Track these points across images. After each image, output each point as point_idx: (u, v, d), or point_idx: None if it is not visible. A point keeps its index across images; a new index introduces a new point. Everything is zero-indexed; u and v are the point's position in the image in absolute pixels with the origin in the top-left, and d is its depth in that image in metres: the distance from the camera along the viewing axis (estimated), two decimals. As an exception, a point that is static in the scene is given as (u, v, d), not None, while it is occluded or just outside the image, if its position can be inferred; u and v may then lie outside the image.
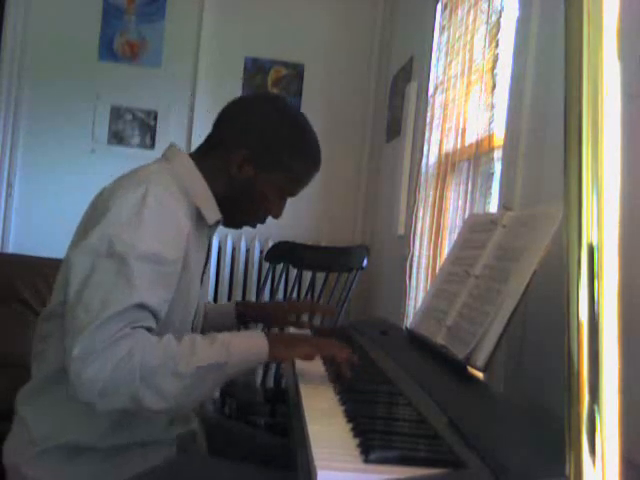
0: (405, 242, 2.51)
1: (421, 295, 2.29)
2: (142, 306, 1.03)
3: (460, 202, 1.95)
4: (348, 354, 1.15)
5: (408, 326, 1.55)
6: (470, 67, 1.97)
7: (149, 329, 1.06)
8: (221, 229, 1.36)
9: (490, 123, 1.74)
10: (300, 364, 1.29)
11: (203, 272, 1.32)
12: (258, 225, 1.38)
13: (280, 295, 3.15)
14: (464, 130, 1.98)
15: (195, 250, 1.21)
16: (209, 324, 1.52)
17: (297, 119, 1.33)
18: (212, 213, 1.25)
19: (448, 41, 2.29)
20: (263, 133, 1.26)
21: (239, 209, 1.31)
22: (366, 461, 0.73)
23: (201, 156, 1.28)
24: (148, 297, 1.04)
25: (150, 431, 1.17)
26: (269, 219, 1.37)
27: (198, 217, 1.22)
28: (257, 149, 1.25)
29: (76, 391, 1.01)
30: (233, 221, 1.34)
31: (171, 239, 1.11)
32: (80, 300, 1.03)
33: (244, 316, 1.59)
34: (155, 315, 1.07)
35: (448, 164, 2.13)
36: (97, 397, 0.99)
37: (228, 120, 1.29)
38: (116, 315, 1.00)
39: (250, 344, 1.12)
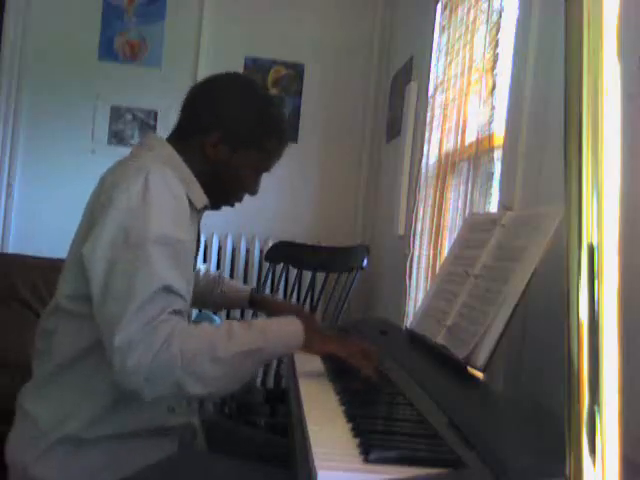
0: (405, 242, 2.51)
1: (421, 295, 2.29)
2: (168, 289, 1.06)
3: (460, 202, 1.95)
4: (372, 371, 1.16)
5: (408, 326, 1.55)
6: (470, 67, 1.97)
7: (180, 312, 1.08)
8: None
9: (490, 123, 1.74)
10: (300, 364, 1.29)
11: (196, 258, 1.34)
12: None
13: (280, 295, 3.15)
14: (464, 130, 1.98)
15: (189, 235, 1.23)
16: (223, 298, 1.64)
17: (264, 98, 1.37)
18: (199, 197, 1.27)
19: (448, 41, 2.29)
20: (234, 115, 1.29)
21: (217, 190, 1.33)
22: (366, 461, 0.74)
23: (177, 141, 1.29)
24: (171, 279, 1.07)
25: (151, 418, 1.18)
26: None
27: (188, 202, 1.24)
28: (230, 130, 1.27)
29: (123, 380, 1.04)
30: (212, 203, 1.35)
31: (179, 220, 1.13)
32: (108, 293, 1.06)
33: (255, 305, 1.68)
34: (181, 296, 1.09)
35: (448, 164, 2.13)
36: (143, 384, 1.03)
37: (199, 103, 1.31)
38: (146, 302, 1.03)
39: (286, 331, 1.16)
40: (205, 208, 1.32)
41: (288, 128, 1.40)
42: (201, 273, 1.64)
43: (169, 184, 1.14)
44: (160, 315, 1.04)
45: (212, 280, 1.64)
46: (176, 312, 1.08)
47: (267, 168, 1.37)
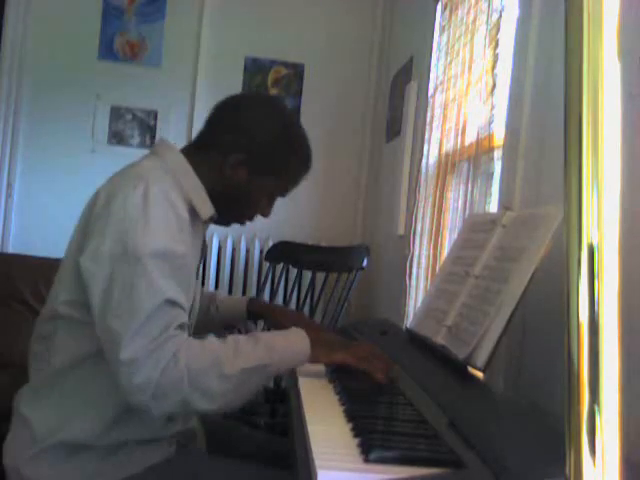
0: (405, 242, 2.51)
1: (421, 295, 2.29)
2: (171, 302, 1.05)
3: (460, 202, 1.95)
4: (384, 374, 1.15)
5: (408, 326, 1.55)
6: (470, 67, 1.97)
7: (184, 325, 1.08)
8: (221, 229, 1.37)
9: (490, 123, 1.74)
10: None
11: (198, 268, 1.32)
12: (258, 225, 1.38)
13: (280, 295, 3.15)
14: (464, 130, 1.98)
15: (192, 246, 1.21)
16: (220, 316, 1.57)
17: (291, 122, 1.33)
18: (206, 208, 1.25)
19: (448, 41, 2.29)
20: (259, 139, 1.26)
21: (229, 208, 1.31)
22: (366, 461, 0.74)
23: (193, 153, 1.27)
24: (172, 292, 1.06)
25: (149, 429, 1.17)
26: (265, 219, 1.38)
27: (192, 212, 1.22)
28: (253, 154, 1.25)
29: (129, 396, 1.03)
30: (222, 219, 1.34)
31: (177, 233, 1.11)
32: (109, 308, 1.05)
33: (254, 315, 1.61)
34: (184, 309, 1.09)
35: (448, 164, 2.13)
36: (151, 401, 1.02)
37: (224, 121, 1.28)
38: (150, 318, 1.02)
39: (293, 345, 1.15)
40: (211, 219, 1.30)
41: (311, 154, 1.34)
42: None
43: (168, 196, 1.11)
44: (166, 331, 1.03)
45: (206, 299, 1.58)
46: (181, 326, 1.07)
47: (284, 194, 1.35)
